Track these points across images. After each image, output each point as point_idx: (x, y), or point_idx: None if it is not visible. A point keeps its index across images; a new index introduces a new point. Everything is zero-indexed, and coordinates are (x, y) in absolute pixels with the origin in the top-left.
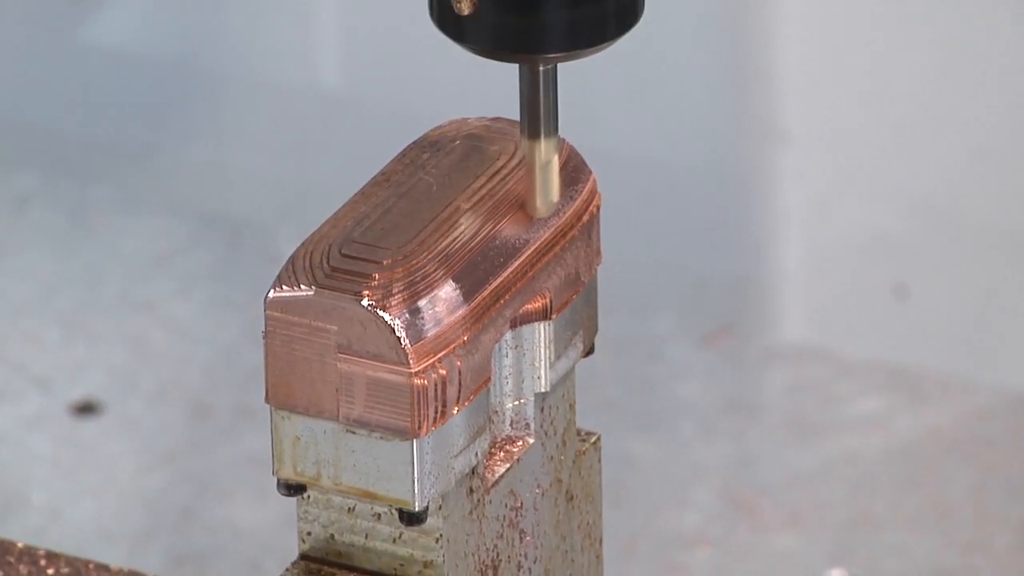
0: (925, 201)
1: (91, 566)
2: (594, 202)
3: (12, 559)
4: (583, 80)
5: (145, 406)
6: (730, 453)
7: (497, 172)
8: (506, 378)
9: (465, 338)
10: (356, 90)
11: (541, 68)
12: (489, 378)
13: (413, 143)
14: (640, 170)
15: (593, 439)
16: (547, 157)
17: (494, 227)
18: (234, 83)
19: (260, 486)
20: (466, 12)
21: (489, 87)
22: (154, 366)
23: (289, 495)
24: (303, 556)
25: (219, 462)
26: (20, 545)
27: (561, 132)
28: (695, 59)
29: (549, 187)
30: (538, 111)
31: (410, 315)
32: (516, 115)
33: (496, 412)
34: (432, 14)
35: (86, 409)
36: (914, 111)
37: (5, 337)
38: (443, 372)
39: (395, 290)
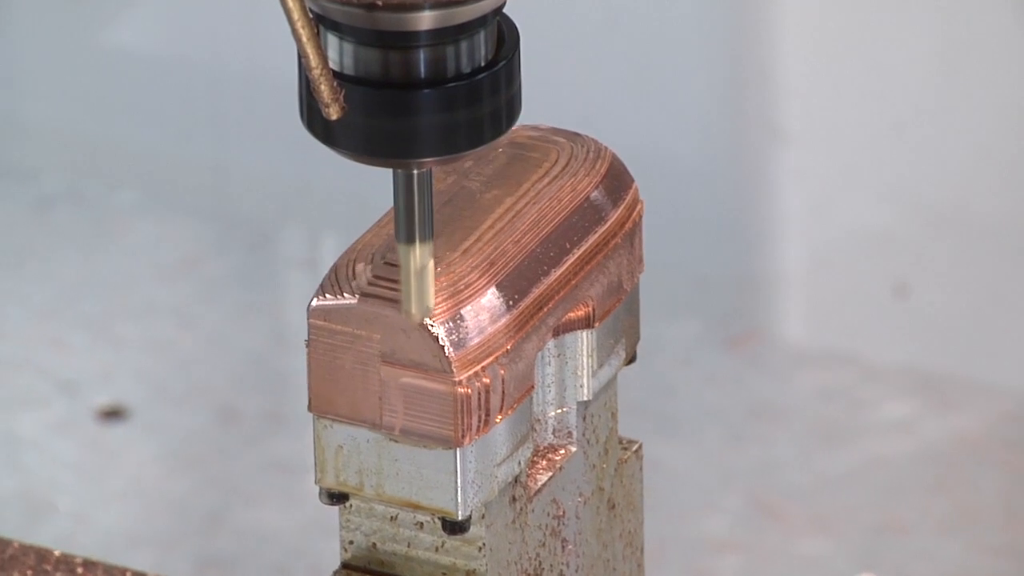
0: (925, 200)
1: (128, 574)
2: (637, 210)
3: (49, 567)
4: (583, 80)
5: (171, 411)
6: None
7: (540, 180)
8: (549, 386)
9: (508, 346)
10: None
11: (416, 172)
12: (532, 386)
13: None
14: (640, 170)
15: (635, 447)
16: (422, 263)
17: (537, 235)
18: (262, 86)
19: (287, 491)
20: (335, 116)
21: None
22: (180, 371)
23: (331, 504)
24: (345, 565)
25: (246, 467)
26: (57, 553)
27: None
28: (695, 59)
29: (424, 293)
30: (413, 215)
31: (453, 323)
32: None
33: (539, 420)
34: (302, 117)
35: (112, 414)
36: (914, 110)
37: (31, 342)
38: (486, 381)
39: (439, 298)
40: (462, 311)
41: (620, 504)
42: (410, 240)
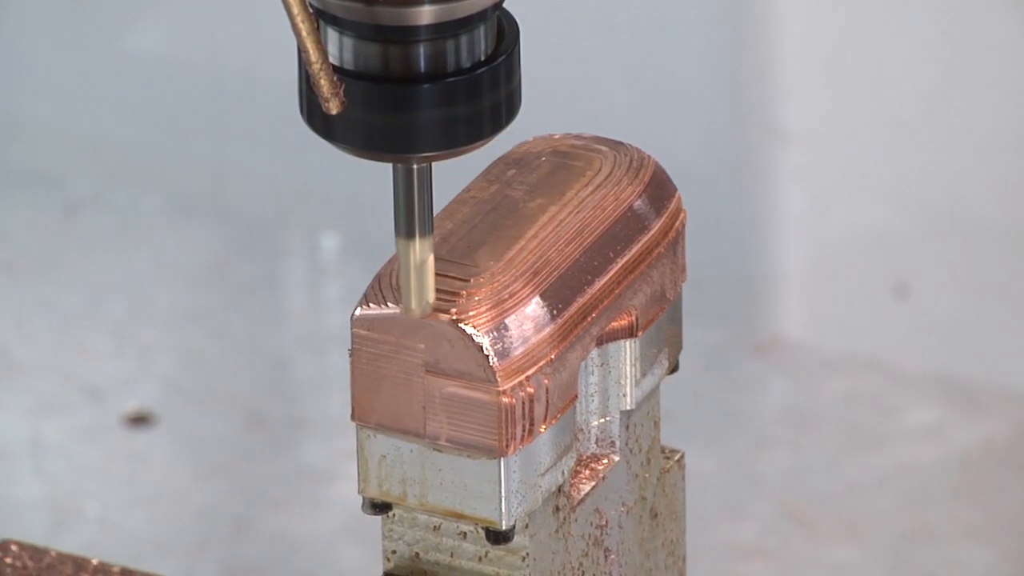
0: (925, 200)
1: None
2: (680, 219)
3: None
4: (583, 80)
5: (198, 417)
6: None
7: (584, 189)
8: (592, 396)
9: (552, 356)
10: None
11: (416, 166)
12: (576, 396)
13: (498, 160)
14: None
15: (677, 456)
16: (422, 257)
17: (581, 244)
18: (288, 92)
19: (314, 497)
20: (334, 111)
21: None
22: (206, 377)
23: (374, 514)
24: (387, 574)
25: (273, 473)
26: (95, 562)
27: (560, 130)
28: (695, 59)
29: (424, 288)
30: (413, 210)
31: (497, 333)
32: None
33: (582, 430)
34: (301, 111)
35: (139, 420)
36: (913, 110)
37: (57, 347)
38: (531, 390)
39: (483, 308)
40: (506, 320)
41: (662, 513)
42: (410, 235)
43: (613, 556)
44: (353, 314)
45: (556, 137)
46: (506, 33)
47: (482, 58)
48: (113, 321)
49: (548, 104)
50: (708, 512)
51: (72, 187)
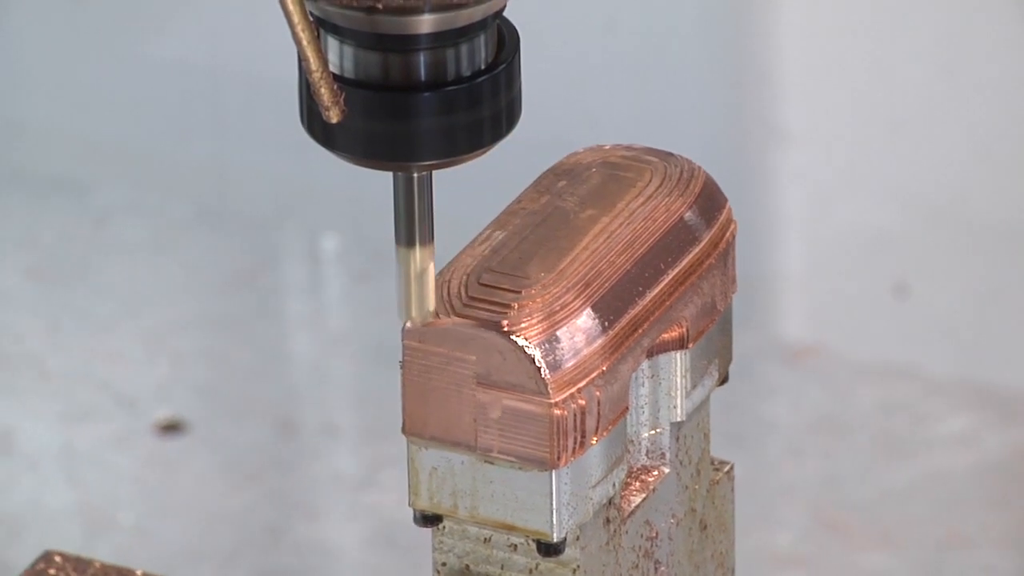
0: (925, 200)
1: None
2: (730, 230)
3: None
4: (583, 80)
5: (230, 425)
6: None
7: (634, 200)
8: (642, 407)
9: (604, 368)
10: None
11: (416, 175)
12: (627, 408)
13: (548, 171)
14: None
15: (727, 468)
16: (422, 266)
17: (632, 255)
18: None
19: (347, 505)
20: (335, 120)
21: None
22: (238, 384)
23: (425, 526)
24: None
25: (305, 481)
26: (139, 573)
27: (562, 132)
28: (695, 59)
29: (424, 297)
30: (413, 218)
31: (549, 345)
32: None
33: (632, 442)
34: (302, 120)
35: (171, 428)
36: (913, 110)
37: (89, 355)
38: (582, 402)
39: (534, 319)
40: (558, 332)
41: (712, 525)
42: (410, 243)
43: (663, 568)
44: (404, 326)
45: (606, 148)
46: (506, 41)
47: (482, 66)
48: (145, 329)
49: (548, 104)
50: (743, 520)
51: (102, 194)
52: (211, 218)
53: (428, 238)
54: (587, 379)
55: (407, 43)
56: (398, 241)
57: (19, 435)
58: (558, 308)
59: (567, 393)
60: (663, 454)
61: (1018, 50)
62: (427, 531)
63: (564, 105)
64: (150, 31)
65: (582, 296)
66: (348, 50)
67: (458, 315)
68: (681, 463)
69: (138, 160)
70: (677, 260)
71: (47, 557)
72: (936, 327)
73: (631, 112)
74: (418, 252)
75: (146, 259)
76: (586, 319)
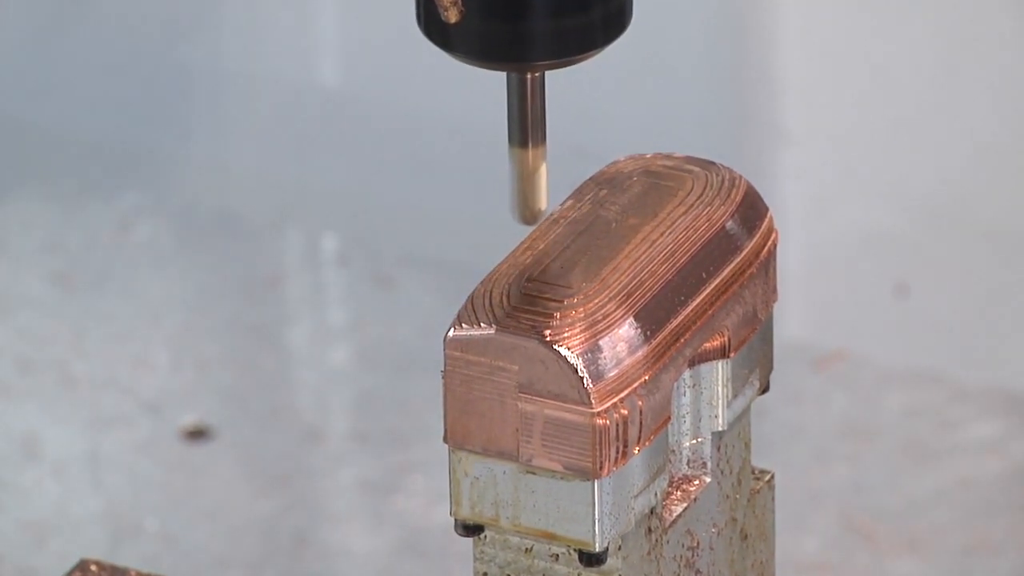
0: (925, 200)
1: None
2: (771, 239)
3: None
4: (583, 80)
5: (256, 431)
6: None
7: (676, 209)
8: (684, 417)
9: (646, 377)
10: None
11: (529, 76)
12: (669, 417)
13: (588, 180)
14: None
15: (767, 477)
16: (535, 166)
17: (674, 264)
18: (359, 106)
19: (373, 512)
20: (453, 20)
21: (490, 86)
22: (264, 390)
23: (466, 535)
24: None
25: (332, 488)
26: None
27: (562, 133)
28: (696, 59)
29: (537, 196)
30: (527, 119)
31: (592, 354)
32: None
33: (673, 451)
34: (419, 22)
35: (197, 434)
36: (914, 110)
37: (115, 361)
38: (625, 412)
39: (577, 329)
40: (600, 342)
41: (752, 535)
42: (523, 144)
43: None
44: (446, 335)
45: (647, 157)
46: None
47: None
48: (170, 334)
49: (548, 105)
50: None
51: (126, 199)
52: (237, 223)
53: (540, 139)
54: (629, 389)
55: None
56: (511, 142)
57: (45, 441)
58: (600, 318)
59: (610, 403)
60: (704, 463)
61: (1018, 50)
62: (453, 537)
63: (564, 106)
64: (183, 36)
65: (624, 305)
66: None
67: (500, 325)
68: (722, 472)
69: (162, 164)
70: (719, 269)
71: (83, 566)
72: (936, 327)
73: (631, 112)
74: (530, 152)
75: (172, 264)
76: (628, 328)
